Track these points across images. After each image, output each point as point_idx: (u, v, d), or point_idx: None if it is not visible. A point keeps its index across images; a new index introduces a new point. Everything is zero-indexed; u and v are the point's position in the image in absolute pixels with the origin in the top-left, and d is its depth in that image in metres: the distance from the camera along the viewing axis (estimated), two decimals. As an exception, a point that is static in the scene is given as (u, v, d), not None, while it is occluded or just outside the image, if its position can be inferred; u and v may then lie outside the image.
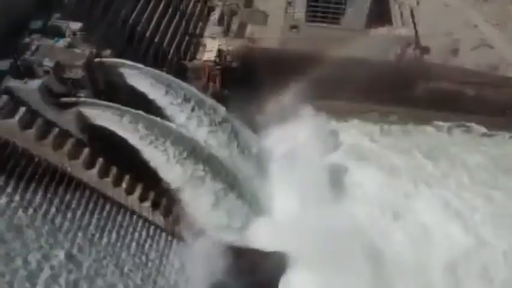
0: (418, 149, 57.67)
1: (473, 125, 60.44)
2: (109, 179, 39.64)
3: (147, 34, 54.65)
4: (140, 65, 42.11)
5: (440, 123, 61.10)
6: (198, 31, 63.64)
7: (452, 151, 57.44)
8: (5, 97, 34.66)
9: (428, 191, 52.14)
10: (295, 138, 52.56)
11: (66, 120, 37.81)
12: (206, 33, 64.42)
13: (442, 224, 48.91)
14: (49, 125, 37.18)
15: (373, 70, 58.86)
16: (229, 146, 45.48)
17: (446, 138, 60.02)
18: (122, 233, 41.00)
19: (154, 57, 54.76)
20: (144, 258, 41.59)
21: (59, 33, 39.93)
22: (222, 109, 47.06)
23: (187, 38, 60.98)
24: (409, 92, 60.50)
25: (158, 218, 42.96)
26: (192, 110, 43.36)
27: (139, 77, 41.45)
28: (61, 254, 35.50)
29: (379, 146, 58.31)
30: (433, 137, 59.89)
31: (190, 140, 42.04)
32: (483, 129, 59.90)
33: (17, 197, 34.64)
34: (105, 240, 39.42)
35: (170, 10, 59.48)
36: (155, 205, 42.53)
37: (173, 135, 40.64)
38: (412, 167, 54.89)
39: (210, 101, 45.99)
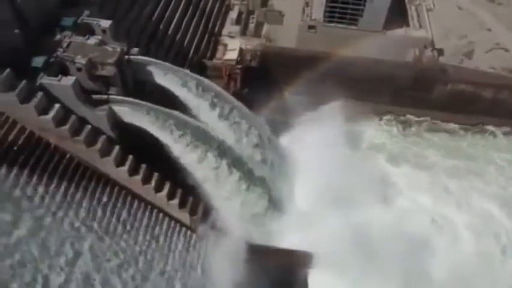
0: (435, 149, 58.21)
1: (490, 126, 60.95)
2: (139, 177, 39.68)
3: (169, 33, 54.74)
4: (168, 64, 42.39)
5: (458, 124, 61.70)
6: (216, 30, 63.68)
7: (470, 151, 58.04)
8: (39, 94, 34.66)
9: (456, 188, 52.69)
10: (316, 137, 52.79)
11: (98, 117, 37.82)
12: (224, 32, 64.46)
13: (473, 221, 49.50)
14: (81, 122, 37.19)
15: (390, 71, 59.43)
16: (256, 145, 45.57)
17: (464, 138, 60.61)
18: (150, 230, 41.22)
19: (175, 56, 54.80)
20: (170, 255, 41.76)
21: (89, 31, 39.91)
22: (246, 109, 47.28)
23: (206, 36, 61.01)
24: (427, 93, 61.00)
25: (184, 216, 42.99)
26: (221, 109, 43.45)
27: (168, 76, 41.60)
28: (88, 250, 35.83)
29: (397, 146, 58.82)
30: (451, 138, 60.61)
31: (219, 139, 42.27)
32: (501, 131, 60.38)
33: (49, 194, 34.86)
34: (132, 237, 39.63)
35: (190, 9, 59.49)
36: (182, 203, 42.56)
37: (202, 134, 40.91)
38: (432, 166, 55.31)
39: (235, 100, 46.09)
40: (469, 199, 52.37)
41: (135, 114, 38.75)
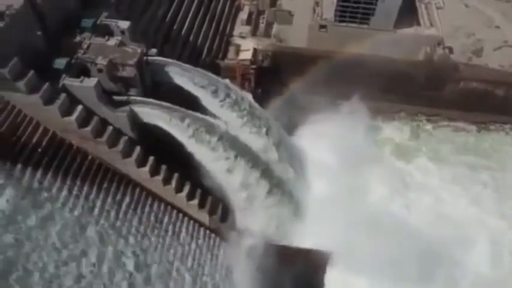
0: (449, 147, 58.50)
1: (502, 124, 61.20)
2: (160, 177, 39.70)
3: (182, 34, 54.75)
4: (186, 65, 42.41)
5: (470, 122, 62.10)
6: (227, 31, 63.71)
7: (483, 148, 58.41)
8: (62, 95, 34.68)
9: (472, 183, 53.15)
10: (329, 135, 52.92)
11: (119, 118, 37.84)
12: (235, 32, 64.46)
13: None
14: (103, 123, 37.19)
15: (403, 70, 59.46)
16: (274, 145, 45.59)
17: (476, 136, 60.97)
18: (170, 230, 41.27)
19: (189, 57, 54.76)
20: (190, 255, 41.84)
21: (107, 32, 39.93)
22: (261, 109, 47.40)
23: (218, 37, 61.04)
24: (439, 91, 61.10)
25: (204, 217, 43.01)
26: (239, 109, 43.51)
27: (186, 76, 41.54)
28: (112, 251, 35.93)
29: (410, 143, 59.27)
30: (463, 136, 60.98)
31: (237, 138, 42.30)
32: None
33: (73, 195, 34.92)
34: (154, 237, 39.69)
35: (202, 10, 59.54)
36: (201, 204, 42.59)
37: (222, 134, 40.93)
38: (447, 163, 55.64)
39: (253, 102, 46.16)
40: (490, 195, 52.58)
41: (156, 115, 38.73)
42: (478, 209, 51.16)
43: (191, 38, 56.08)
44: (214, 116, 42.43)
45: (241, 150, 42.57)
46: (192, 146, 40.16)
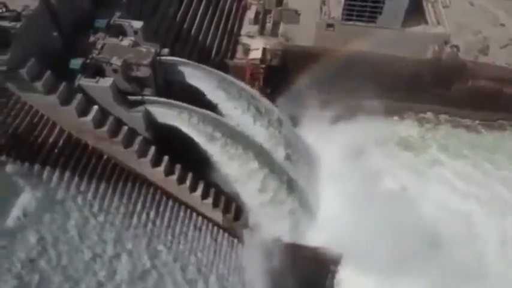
0: (458, 143, 58.80)
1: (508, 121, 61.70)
2: (174, 177, 39.80)
3: (192, 33, 54.84)
4: (199, 64, 42.45)
5: (478, 120, 62.24)
6: (235, 30, 63.79)
7: (492, 146, 58.57)
8: (79, 96, 34.75)
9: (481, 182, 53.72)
10: (338, 134, 53.08)
11: (134, 118, 37.92)
12: (242, 32, 64.52)
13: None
14: (118, 123, 37.26)
15: (411, 68, 59.66)
16: (286, 145, 45.73)
17: (484, 135, 61.14)
18: (184, 230, 41.42)
19: (198, 56, 54.81)
20: (205, 254, 41.97)
21: (121, 32, 39.99)
22: (275, 108, 47.51)
23: (226, 36, 61.12)
24: (447, 90, 61.28)
25: (217, 216, 43.13)
26: (254, 110, 43.66)
27: (199, 76, 41.56)
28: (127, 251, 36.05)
29: (418, 142, 59.54)
30: (471, 135, 61.19)
31: (251, 140, 42.38)
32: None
33: (89, 195, 35.00)
34: (169, 238, 39.82)
35: (210, 10, 59.63)
36: (215, 203, 42.72)
37: (236, 135, 41.05)
38: (457, 158, 56.10)
39: (265, 101, 46.30)
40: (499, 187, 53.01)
41: (170, 115, 38.83)
42: (487, 203, 51.44)
43: (200, 37, 56.18)
44: (226, 115, 42.52)
45: (253, 149, 42.67)
46: (206, 146, 40.20)
